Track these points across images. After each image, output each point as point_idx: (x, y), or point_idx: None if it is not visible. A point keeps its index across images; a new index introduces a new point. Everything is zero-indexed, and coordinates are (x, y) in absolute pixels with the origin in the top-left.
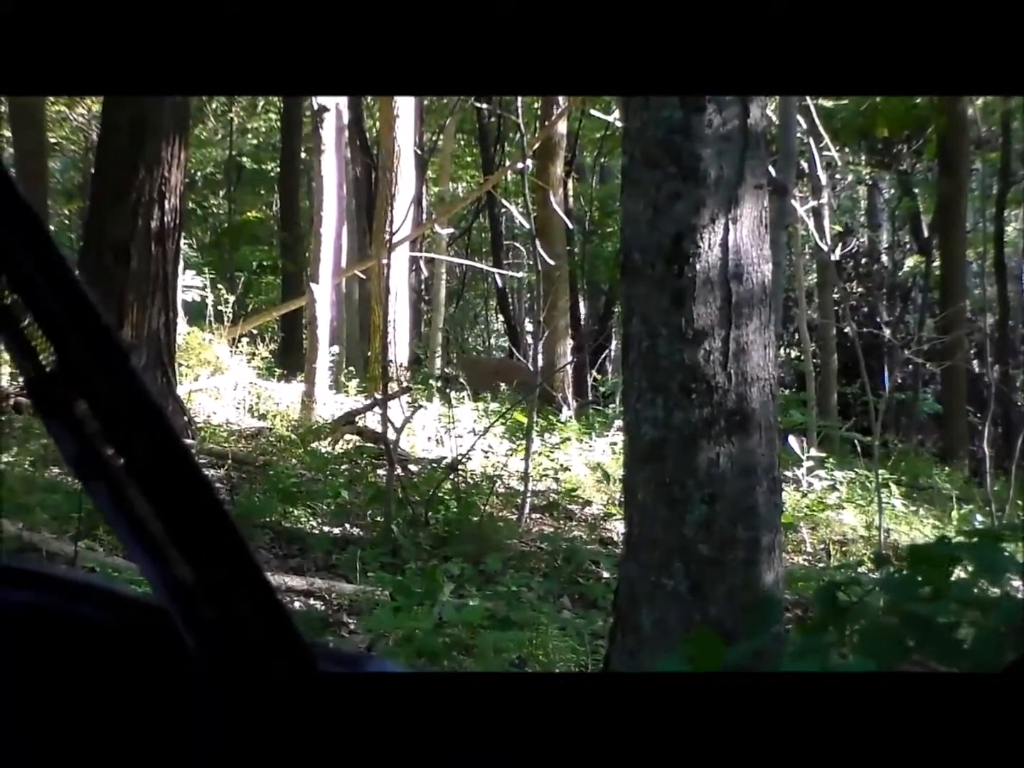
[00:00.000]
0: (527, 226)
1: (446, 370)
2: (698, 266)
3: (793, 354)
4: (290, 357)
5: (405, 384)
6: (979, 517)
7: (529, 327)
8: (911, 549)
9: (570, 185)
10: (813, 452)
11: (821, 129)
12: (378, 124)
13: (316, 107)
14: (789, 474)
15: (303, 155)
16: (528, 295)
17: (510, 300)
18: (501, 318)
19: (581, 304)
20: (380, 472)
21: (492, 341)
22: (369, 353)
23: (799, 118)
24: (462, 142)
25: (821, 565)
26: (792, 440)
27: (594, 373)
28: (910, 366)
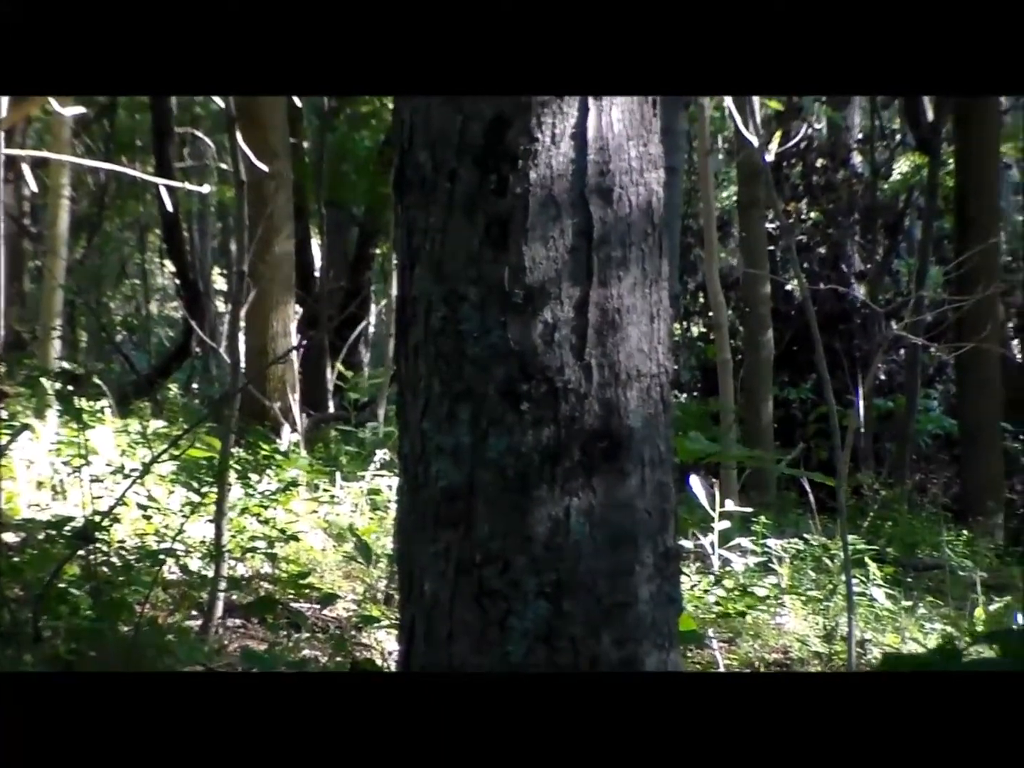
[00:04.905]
0: (218, 102)
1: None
2: (533, 174)
3: (697, 331)
4: None
5: None
6: (1022, 617)
7: (221, 283)
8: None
9: None
10: (731, 505)
11: None
12: None
13: None
14: (689, 544)
15: None
16: (220, 225)
17: (187, 235)
18: (170, 266)
19: (315, 243)
20: None
21: (154, 307)
22: None
23: None
24: None
25: None
26: (695, 483)
27: (339, 367)
28: (902, 351)
